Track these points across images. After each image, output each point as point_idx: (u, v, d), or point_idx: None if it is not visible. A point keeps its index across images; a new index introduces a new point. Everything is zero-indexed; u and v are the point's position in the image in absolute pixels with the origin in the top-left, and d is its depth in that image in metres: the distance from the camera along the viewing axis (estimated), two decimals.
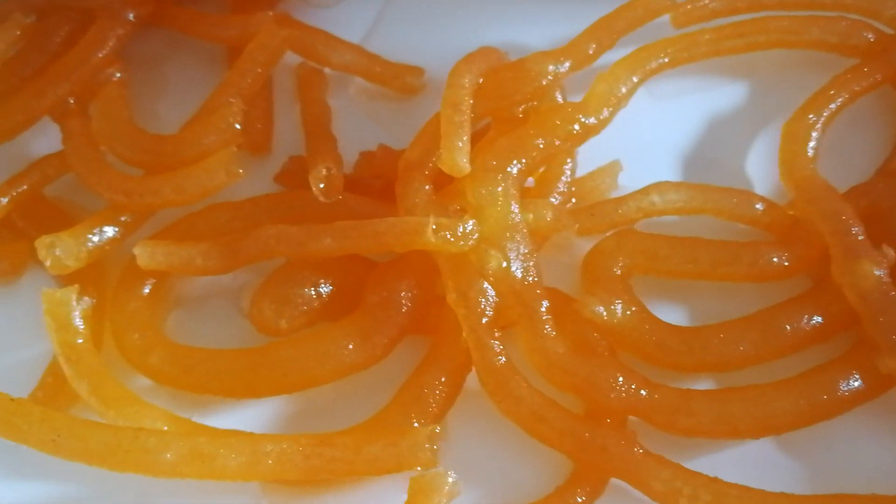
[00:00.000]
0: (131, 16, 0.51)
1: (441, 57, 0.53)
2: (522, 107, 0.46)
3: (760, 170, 0.48)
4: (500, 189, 0.43)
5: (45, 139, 0.52)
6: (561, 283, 0.45)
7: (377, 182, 0.47)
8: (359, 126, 0.52)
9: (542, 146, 0.45)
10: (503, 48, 0.52)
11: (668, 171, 0.49)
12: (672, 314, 0.45)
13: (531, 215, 0.44)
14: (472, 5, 0.55)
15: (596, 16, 0.53)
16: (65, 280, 0.47)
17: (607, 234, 0.45)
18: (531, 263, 0.42)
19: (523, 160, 0.44)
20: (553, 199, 0.45)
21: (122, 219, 0.47)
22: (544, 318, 0.41)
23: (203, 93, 0.53)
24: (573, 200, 0.47)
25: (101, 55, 0.50)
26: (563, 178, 0.46)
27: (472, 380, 0.43)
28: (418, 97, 0.53)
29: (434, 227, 0.41)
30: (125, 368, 0.46)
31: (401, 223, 0.42)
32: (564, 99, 0.47)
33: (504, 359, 0.41)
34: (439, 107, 0.51)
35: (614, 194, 0.47)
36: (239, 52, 0.51)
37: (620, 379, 0.41)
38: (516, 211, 0.43)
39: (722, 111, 0.51)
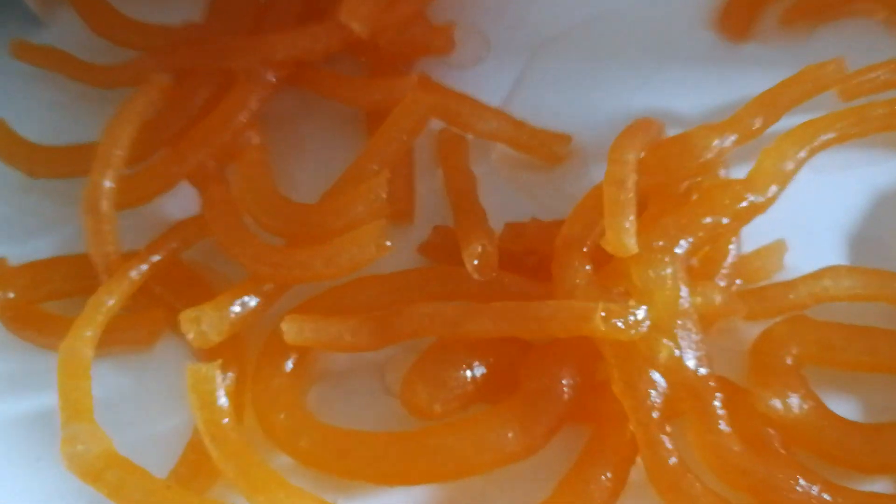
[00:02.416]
0: (271, 77, 0.50)
1: (585, 122, 0.52)
2: (686, 182, 0.45)
3: None
4: (668, 271, 0.41)
5: (178, 200, 0.51)
6: (726, 370, 0.43)
7: (530, 258, 0.45)
8: (502, 194, 0.50)
9: (708, 225, 0.43)
10: (650, 114, 0.51)
11: (831, 249, 0.47)
12: (846, 408, 0.42)
13: (699, 299, 0.42)
14: (616, 68, 0.53)
15: (742, 80, 0.52)
16: (203, 351, 0.46)
17: (776, 320, 0.43)
18: (703, 352, 0.40)
19: (690, 239, 0.42)
20: (719, 281, 0.43)
21: (265, 288, 0.46)
22: (718, 412, 0.39)
23: (338, 154, 0.52)
24: (738, 281, 0.44)
25: (241, 119, 0.49)
26: (729, 258, 0.44)
27: (634, 470, 0.41)
28: (563, 164, 0.51)
29: (603, 314, 0.39)
30: (263, 443, 0.45)
31: (566, 308, 0.40)
32: (728, 175, 0.45)
33: (676, 459, 0.39)
34: (585, 175, 0.50)
35: (780, 274, 0.45)
36: (377, 115, 0.50)
37: (801, 480, 0.38)
38: (686, 295, 0.41)
39: (888, 186, 0.48)
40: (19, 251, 0.51)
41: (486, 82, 0.54)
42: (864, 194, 0.48)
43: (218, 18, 0.54)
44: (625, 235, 0.41)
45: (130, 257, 0.47)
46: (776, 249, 0.45)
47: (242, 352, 0.46)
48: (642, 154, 0.44)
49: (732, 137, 0.45)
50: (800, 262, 0.46)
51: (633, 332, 0.39)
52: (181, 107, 0.50)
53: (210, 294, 0.48)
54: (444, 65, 0.54)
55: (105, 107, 0.54)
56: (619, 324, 0.39)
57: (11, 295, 0.48)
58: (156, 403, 0.47)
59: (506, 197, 0.50)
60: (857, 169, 0.49)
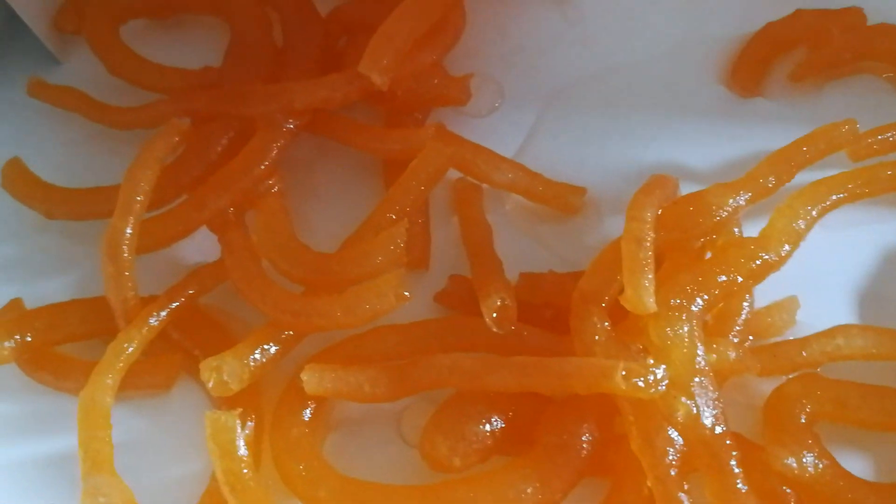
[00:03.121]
0: (291, 125, 0.51)
1: (599, 172, 0.53)
2: (701, 240, 0.45)
3: None
4: (685, 329, 0.42)
5: (196, 243, 0.51)
6: (739, 425, 0.43)
7: (547, 311, 0.46)
8: (516, 243, 0.51)
9: (723, 283, 0.44)
10: (663, 167, 0.52)
11: (842, 305, 0.48)
12: (860, 465, 0.43)
13: (714, 356, 0.43)
14: (629, 120, 0.54)
15: (752, 135, 0.53)
16: (221, 397, 0.46)
17: (790, 377, 0.44)
18: (720, 410, 0.41)
19: (705, 297, 0.43)
20: (732, 338, 0.44)
21: (284, 336, 0.46)
22: (735, 471, 0.40)
23: (355, 199, 0.53)
24: (751, 338, 0.45)
25: (261, 167, 0.49)
26: (742, 315, 0.45)
27: None
28: (577, 215, 0.51)
29: (624, 372, 0.40)
30: (281, 490, 0.45)
31: (587, 366, 0.41)
32: (741, 231, 0.46)
33: None
34: (600, 226, 0.51)
35: (792, 330, 0.46)
36: (395, 163, 0.51)
37: None
38: (702, 353, 0.42)
39: None
40: (35, 291, 0.51)
41: (501, 130, 0.54)
42: (873, 252, 0.49)
43: (236, 63, 0.54)
44: (644, 294, 0.42)
45: (149, 302, 0.48)
46: (788, 306, 0.46)
47: (260, 398, 0.47)
48: (659, 211, 0.45)
49: (746, 196, 0.46)
50: (811, 318, 0.46)
51: (652, 390, 0.40)
52: (201, 152, 0.51)
53: (227, 339, 0.49)
54: (459, 112, 0.54)
55: (121, 145, 0.54)
56: (640, 383, 0.40)
57: (28, 338, 0.48)
58: (173, 448, 0.47)
59: (521, 246, 0.51)
60: (866, 226, 0.49)
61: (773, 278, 0.46)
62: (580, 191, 0.51)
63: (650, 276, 0.42)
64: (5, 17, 0.58)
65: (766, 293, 0.47)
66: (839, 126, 0.47)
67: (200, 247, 0.51)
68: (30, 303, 0.50)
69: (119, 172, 0.49)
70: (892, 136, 0.48)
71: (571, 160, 0.53)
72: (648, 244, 0.43)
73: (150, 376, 0.48)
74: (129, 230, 0.47)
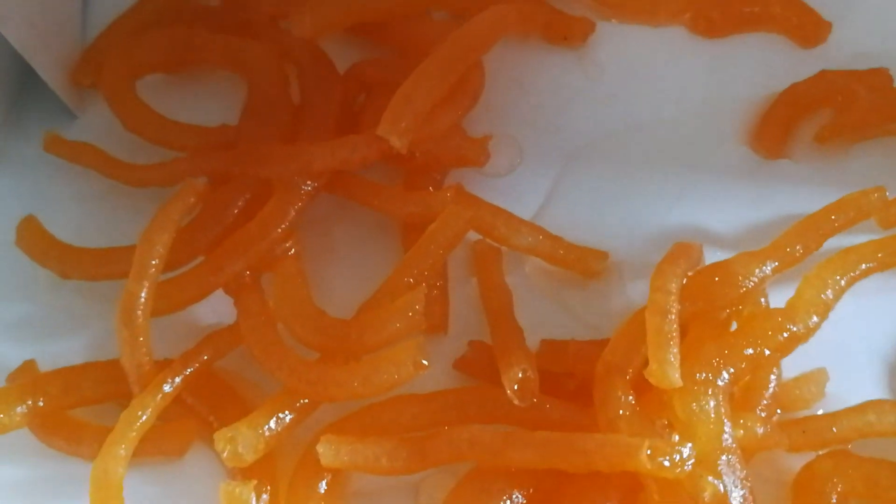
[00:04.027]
0: (308, 187, 0.50)
1: (620, 235, 0.52)
2: (727, 310, 0.44)
3: None
4: (711, 404, 0.41)
5: (212, 304, 0.50)
6: (766, 503, 0.42)
7: (570, 382, 0.45)
8: (536, 305, 0.50)
9: (750, 356, 0.43)
10: (685, 229, 0.51)
11: (871, 376, 0.47)
12: None
13: (742, 431, 0.42)
14: (650, 180, 0.53)
15: (777, 197, 0.52)
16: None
17: (819, 453, 0.43)
18: (747, 490, 0.40)
19: (731, 370, 0.42)
20: (760, 411, 0.43)
21: (299, 404, 0.45)
22: None
23: (373, 259, 0.52)
24: (779, 411, 0.44)
25: (278, 230, 0.49)
26: (770, 388, 0.44)
27: None
28: (599, 278, 0.51)
29: (649, 451, 0.39)
30: None
31: (611, 443, 0.40)
32: (767, 301, 0.45)
33: None
34: (622, 291, 0.50)
35: (820, 403, 0.45)
36: (414, 225, 0.50)
37: None
38: (729, 430, 0.41)
39: None
40: (49, 351, 0.51)
41: (520, 190, 0.54)
42: None
43: (253, 121, 0.53)
44: (669, 369, 0.41)
45: (163, 366, 0.47)
46: (817, 378, 0.45)
47: (275, 468, 0.46)
48: (684, 281, 0.44)
49: (773, 265, 0.45)
50: (841, 390, 0.46)
51: (678, 470, 0.39)
52: (217, 213, 0.50)
53: (242, 404, 0.48)
54: (478, 172, 0.53)
55: (138, 202, 0.54)
56: (665, 462, 0.39)
57: (41, 403, 0.47)
58: None
59: (541, 309, 0.50)
60: (894, 293, 0.48)
61: (800, 347, 0.45)
62: (602, 255, 0.50)
63: (675, 350, 0.41)
64: (22, 72, 0.58)
65: (794, 363, 0.46)
66: (868, 193, 0.46)
67: (216, 308, 0.50)
68: (43, 363, 0.50)
69: (135, 229, 0.49)
70: None
71: (592, 221, 0.52)
72: (673, 316, 0.42)
73: (163, 442, 0.47)
74: (143, 295, 0.46)
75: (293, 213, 0.49)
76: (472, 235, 0.51)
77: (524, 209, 0.53)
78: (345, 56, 0.56)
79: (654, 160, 0.54)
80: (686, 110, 0.55)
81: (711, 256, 0.47)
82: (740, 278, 0.44)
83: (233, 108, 0.56)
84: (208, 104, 0.57)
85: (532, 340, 0.48)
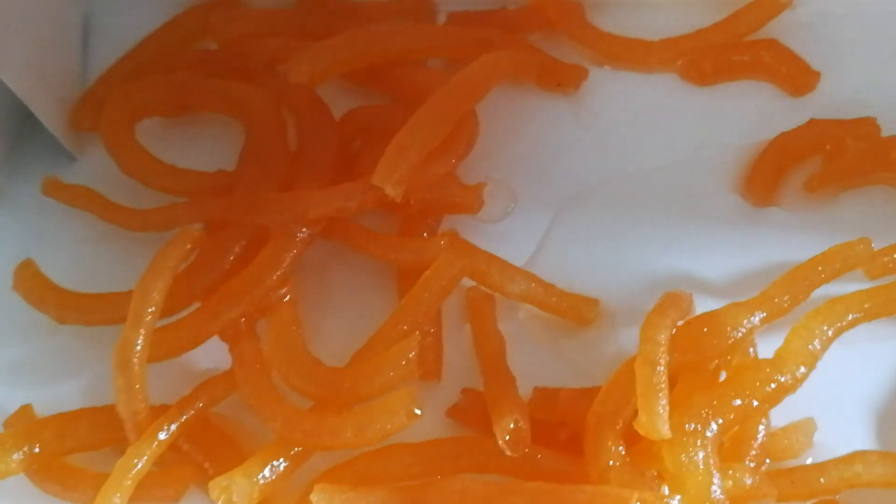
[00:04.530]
0: (304, 234, 0.51)
1: (613, 282, 0.52)
2: (716, 361, 0.45)
3: None
4: (700, 456, 0.42)
5: (207, 350, 0.50)
6: None
7: (562, 431, 0.46)
8: (530, 352, 0.50)
9: (739, 407, 0.43)
10: (676, 277, 0.52)
11: (860, 425, 0.47)
12: None
13: (730, 482, 0.42)
14: (643, 228, 0.54)
15: (767, 245, 0.53)
16: None
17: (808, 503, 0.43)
18: None
19: (720, 421, 0.43)
20: (748, 462, 0.44)
21: (293, 452, 0.46)
22: None
23: (368, 305, 0.53)
24: (767, 461, 0.45)
25: (274, 277, 0.49)
26: (758, 438, 0.44)
27: None
28: (591, 325, 0.51)
29: (638, 503, 0.39)
30: None
31: (601, 495, 0.40)
32: (755, 352, 0.46)
33: None
34: (614, 338, 0.51)
35: (809, 452, 0.45)
36: (409, 271, 0.51)
37: None
38: (718, 482, 0.41)
39: None
40: (46, 395, 0.51)
41: (514, 236, 0.54)
42: (891, 370, 0.49)
43: (250, 167, 0.54)
44: (658, 420, 0.41)
45: (159, 412, 0.47)
46: (805, 428, 0.46)
47: None
48: (673, 331, 0.45)
49: (761, 315, 0.46)
50: (829, 439, 0.46)
51: None
52: (213, 260, 0.51)
53: (237, 450, 0.48)
54: (472, 218, 0.54)
55: (135, 245, 0.55)
56: None
57: (37, 449, 0.48)
58: None
59: (534, 355, 0.51)
60: (885, 342, 0.49)
61: (789, 397, 0.45)
62: (594, 303, 0.50)
63: (664, 402, 0.42)
64: (22, 114, 0.59)
65: (782, 412, 0.46)
66: (854, 245, 0.47)
67: (212, 353, 0.51)
68: (41, 407, 0.50)
69: (133, 273, 0.50)
70: None
71: (585, 268, 0.53)
72: (662, 368, 0.43)
73: (159, 489, 0.47)
74: (140, 342, 0.47)
75: (288, 260, 0.50)
76: (467, 282, 0.52)
77: (518, 255, 0.53)
78: (342, 102, 0.57)
79: (645, 207, 0.54)
80: (677, 158, 0.55)
81: (702, 304, 0.48)
82: (729, 329, 0.45)
83: (231, 153, 0.56)
84: (207, 148, 0.58)
85: (526, 387, 0.48)
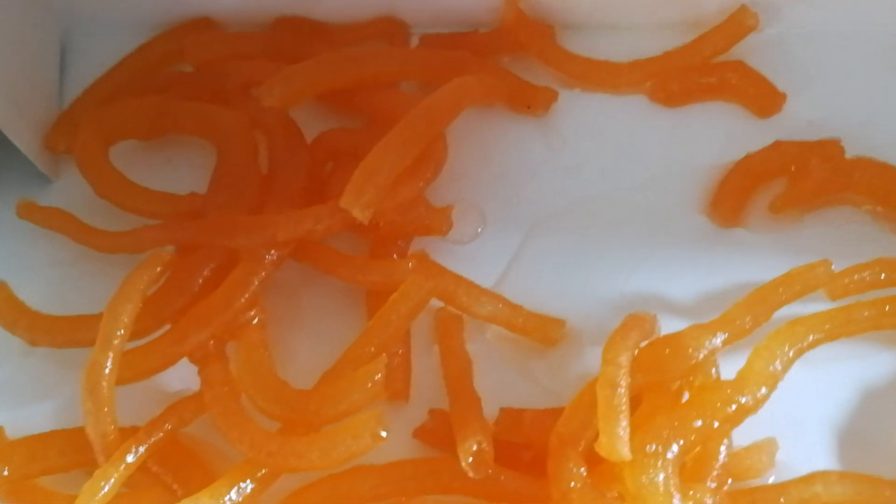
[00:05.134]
0: (273, 256, 0.51)
1: (580, 302, 0.53)
2: (678, 382, 0.45)
3: None
4: (660, 477, 0.42)
5: (177, 371, 0.51)
6: None
7: (526, 453, 0.46)
8: (497, 373, 0.51)
9: (700, 428, 0.44)
10: (643, 298, 0.52)
11: (821, 444, 0.48)
12: None
13: (691, 503, 0.42)
14: (610, 249, 0.54)
15: (733, 266, 0.53)
16: None
17: None
18: None
19: (681, 442, 0.43)
20: (710, 482, 0.44)
21: (260, 474, 0.46)
22: None
23: (337, 326, 0.53)
24: (730, 481, 0.45)
25: (243, 300, 0.50)
26: (720, 458, 0.45)
27: None
28: (558, 345, 0.52)
29: None
30: None
31: None
32: (718, 372, 0.46)
33: None
34: (580, 358, 0.51)
35: (771, 472, 0.46)
36: (378, 293, 0.51)
37: None
38: (678, 503, 0.42)
39: (876, 381, 0.49)
40: (16, 417, 0.51)
41: (484, 257, 0.55)
42: (852, 389, 0.49)
43: (221, 189, 0.54)
44: (618, 442, 0.42)
45: (129, 434, 0.48)
46: (767, 448, 0.46)
47: None
48: (636, 351, 0.45)
49: (723, 337, 0.46)
50: (791, 458, 0.47)
51: None
52: (183, 282, 0.51)
53: (206, 471, 0.49)
54: (442, 239, 0.55)
55: (108, 267, 0.55)
56: None
57: (6, 472, 0.48)
58: None
59: (502, 376, 0.51)
60: (845, 362, 0.50)
61: (752, 417, 0.46)
62: (560, 323, 0.51)
63: (624, 424, 0.42)
64: None
65: (745, 432, 0.46)
66: (814, 267, 0.47)
67: (182, 375, 0.51)
68: (12, 430, 0.50)
69: (107, 295, 0.50)
70: (867, 276, 0.48)
71: (553, 289, 0.53)
72: (623, 390, 0.43)
73: None
74: (108, 365, 0.47)
75: (256, 282, 0.50)
76: (437, 303, 0.52)
77: (488, 276, 0.54)
78: (315, 124, 0.57)
79: (613, 228, 0.55)
80: (645, 179, 0.56)
81: (668, 324, 0.48)
82: (691, 350, 0.45)
83: (206, 176, 0.56)
84: (182, 171, 0.59)
85: (492, 408, 0.49)
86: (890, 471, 0.46)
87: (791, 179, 0.54)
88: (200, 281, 0.51)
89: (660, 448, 0.43)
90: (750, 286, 0.49)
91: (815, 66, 0.58)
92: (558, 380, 0.51)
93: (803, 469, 0.46)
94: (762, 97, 0.57)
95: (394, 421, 0.49)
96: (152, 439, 0.47)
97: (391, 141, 0.52)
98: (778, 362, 0.45)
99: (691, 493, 0.43)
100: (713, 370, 0.46)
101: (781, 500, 0.44)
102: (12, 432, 0.50)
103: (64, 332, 0.51)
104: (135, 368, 0.49)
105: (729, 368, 0.47)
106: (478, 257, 0.55)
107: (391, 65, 0.58)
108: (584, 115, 0.58)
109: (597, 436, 0.43)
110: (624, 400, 0.43)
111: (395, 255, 0.54)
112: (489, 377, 0.50)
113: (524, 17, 0.59)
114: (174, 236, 0.52)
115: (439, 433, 0.48)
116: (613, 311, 0.51)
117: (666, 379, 0.45)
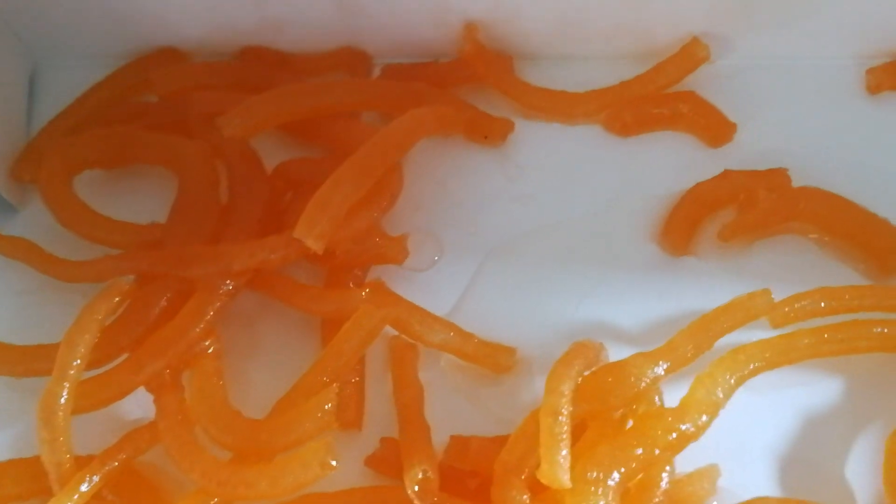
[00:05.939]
0: (229, 286, 0.52)
1: (531, 330, 0.54)
2: (621, 409, 0.46)
3: (861, 476, 0.48)
4: None
5: (135, 398, 0.51)
6: None
7: (473, 480, 0.47)
8: (450, 401, 0.52)
9: (641, 456, 0.44)
10: (593, 326, 0.53)
11: (763, 471, 0.49)
12: None
13: None
14: (562, 278, 0.55)
15: (682, 293, 0.54)
16: None
17: None
18: None
19: (623, 469, 0.44)
20: None
21: (212, 503, 0.47)
22: None
23: (293, 354, 0.54)
24: None
25: (198, 329, 0.50)
26: (662, 485, 0.45)
27: None
28: (510, 373, 0.52)
29: None
30: None
31: None
32: (661, 400, 0.47)
33: None
34: (531, 385, 0.52)
35: (714, 499, 0.47)
36: (333, 322, 0.52)
37: None
38: None
39: (819, 408, 0.50)
40: None
41: (440, 284, 0.55)
42: (794, 416, 0.50)
43: (180, 220, 0.55)
44: (559, 470, 0.43)
45: (85, 463, 0.48)
46: (709, 474, 0.47)
47: None
48: (580, 380, 0.46)
49: (666, 365, 0.47)
50: (733, 484, 0.47)
51: None
52: (140, 312, 0.52)
53: (161, 500, 0.49)
54: (399, 267, 0.55)
55: (74, 296, 0.55)
56: None
57: None
58: None
59: (454, 404, 0.52)
60: (787, 389, 0.50)
61: (694, 443, 0.47)
62: (510, 351, 0.52)
63: (565, 452, 0.43)
64: None
65: (687, 458, 0.47)
66: (755, 296, 0.48)
67: (140, 402, 0.52)
68: None
69: (69, 324, 0.50)
70: (807, 305, 0.49)
71: (506, 316, 0.54)
72: (564, 418, 0.44)
73: None
74: (64, 395, 0.48)
75: (211, 312, 0.51)
76: (392, 331, 0.53)
77: (444, 302, 0.55)
78: (277, 154, 0.58)
79: (566, 257, 0.55)
80: (599, 208, 0.57)
81: (618, 352, 0.49)
82: (633, 379, 0.46)
83: (169, 205, 0.57)
84: (145, 200, 0.59)
85: (444, 436, 0.49)
86: (831, 497, 0.47)
87: (739, 208, 0.55)
88: (157, 311, 0.52)
89: (601, 475, 0.43)
90: (699, 314, 0.50)
91: (765, 97, 0.59)
92: (509, 407, 0.51)
93: (745, 495, 0.47)
94: (713, 127, 0.58)
95: (348, 449, 0.50)
96: (106, 468, 0.48)
97: (345, 172, 0.52)
98: (719, 390, 0.46)
99: None
100: (656, 398, 0.47)
101: None
102: None
103: (23, 362, 0.52)
104: (92, 398, 0.50)
105: (674, 396, 0.47)
106: (435, 284, 0.55)
107: (350, 96, 0.59)
108: (540, 144, 0.59)
109: (539, 463, 0.44)
110: (565, 428, 0.44)
111: (351, 284, 0.54)
112: (442, 405, 0.51)
113: (482, 48, 0.60)
114: (134, 266, 0.53)
115: (390, 461, 0.49)
116: (564, 339, 0.51)
117: (609, 407, 0.46)
